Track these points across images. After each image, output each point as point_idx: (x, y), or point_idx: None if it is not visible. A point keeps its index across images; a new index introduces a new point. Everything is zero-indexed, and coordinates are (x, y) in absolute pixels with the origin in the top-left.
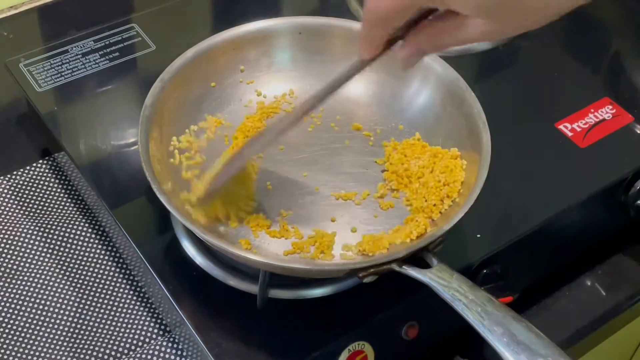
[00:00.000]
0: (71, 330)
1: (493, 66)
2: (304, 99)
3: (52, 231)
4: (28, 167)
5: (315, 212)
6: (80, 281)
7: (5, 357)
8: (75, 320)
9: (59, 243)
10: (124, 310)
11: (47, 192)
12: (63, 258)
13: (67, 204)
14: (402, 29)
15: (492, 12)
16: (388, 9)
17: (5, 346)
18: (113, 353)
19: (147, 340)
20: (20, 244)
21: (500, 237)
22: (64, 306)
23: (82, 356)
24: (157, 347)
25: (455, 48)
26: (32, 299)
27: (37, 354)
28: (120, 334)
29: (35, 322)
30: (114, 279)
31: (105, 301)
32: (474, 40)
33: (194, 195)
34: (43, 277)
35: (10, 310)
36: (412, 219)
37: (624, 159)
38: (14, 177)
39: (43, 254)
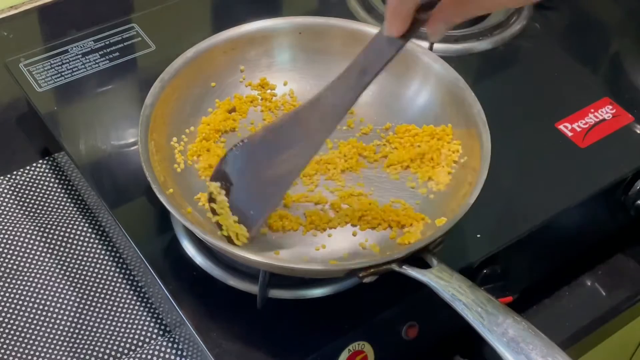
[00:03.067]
0: (71, 330)
1: (493, 66)
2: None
3: (52, 231)
4: (28, 167)
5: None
6: (80, 281)
7: (5, 357)
8: (75, 320)
9: (59, 243)
10: (124, 310)
11: (47, 192)
12: (63, 258)
13: (67, 204)
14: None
15: None
16: None
17: (5, 346)
18: (113, 353)
19: (147, 340)
20: (20, 244)
21: (500, 237)
22: (64, 306)
23: (82, 356)
24: (157, 347)
25: (455, 47)
26: (32, 299)
27: (37, 354)
28: (120, 334)
29: (35, 322)
30: (114, 279)
31: (105, 301)
32: (498, 5)
33: (242, 238)
34: (43, 277)
35: (10, 310)
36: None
37: (624, 159)
38: (14, 177)
39: (43, 254)
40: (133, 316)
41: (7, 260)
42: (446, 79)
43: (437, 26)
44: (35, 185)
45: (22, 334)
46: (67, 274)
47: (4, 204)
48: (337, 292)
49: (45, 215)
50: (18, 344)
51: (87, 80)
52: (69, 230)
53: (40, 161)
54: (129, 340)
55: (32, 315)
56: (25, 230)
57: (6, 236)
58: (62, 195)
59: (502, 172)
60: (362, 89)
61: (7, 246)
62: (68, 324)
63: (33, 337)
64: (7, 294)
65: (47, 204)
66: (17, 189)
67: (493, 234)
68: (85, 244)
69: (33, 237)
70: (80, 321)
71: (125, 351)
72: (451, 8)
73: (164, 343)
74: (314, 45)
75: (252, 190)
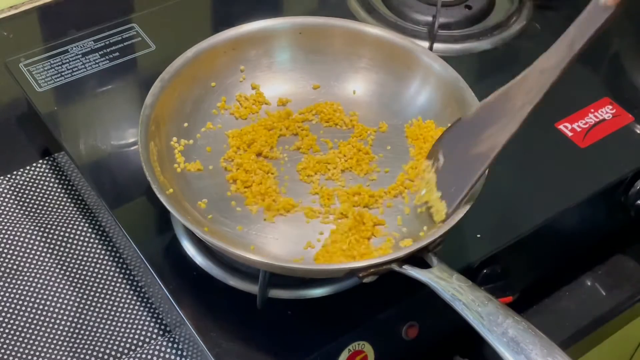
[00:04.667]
0: (71, 330)
1: (493, 66)
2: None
3: (52, 231)
4: (28, 167)
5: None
6: (80, 281)
7: (5, 357)
8: (75, 320)
9: (59, 243)
10: (124, 310)
11: (47, 192)
12: (63, 258)
13: (67, 204)
14: None
15: None
16: None
17: (5, 346)
18: (113, 353)
19: (147, 340)
20: (20, 244)
21: (500, 237)
22: (64, 306)
23: (82, 356)
24: (157, 347)
25: (455, 47)
26: (32, 299)
27: (37, 354)
28: (120, 334)
29: (35, 322)
30: (114, 279)
31: (105, 301)
32: None
33: (440, 214)
34: (43, 277)
35: (10, 310)
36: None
37: (624, 159)
38: (14, 177)
39: (43, 254)
40: (133, 316)
41: (7, 260)
42: (446, 79)
43: None
44: (35, 185)
45: (22, 334)
46: (67, 274)
47: (4, 204)
48: (337, 292)
49: (45, 215)
50: (18, 344)
51: (87, 80)
52: (69, 230)
53: (40, 161)
54: (129, 340)
55: (32, 315)
56: (25, 230)
57: (6, 236)
58: (62, 195)
59: (502, 172)
60: (573, 58)
61: (7, 246)
62: (68, 324)
63: (33, 337)
64: (7, 294)
65: (47, 204)
66: (17, 189)
67: (493, 234)
68: (85, 244)
69: (33, 237)
70: (80, 321)
71: (125, 351)
72: None
73: (164, 343)
74: (314, 45)
75: (456, 167)
